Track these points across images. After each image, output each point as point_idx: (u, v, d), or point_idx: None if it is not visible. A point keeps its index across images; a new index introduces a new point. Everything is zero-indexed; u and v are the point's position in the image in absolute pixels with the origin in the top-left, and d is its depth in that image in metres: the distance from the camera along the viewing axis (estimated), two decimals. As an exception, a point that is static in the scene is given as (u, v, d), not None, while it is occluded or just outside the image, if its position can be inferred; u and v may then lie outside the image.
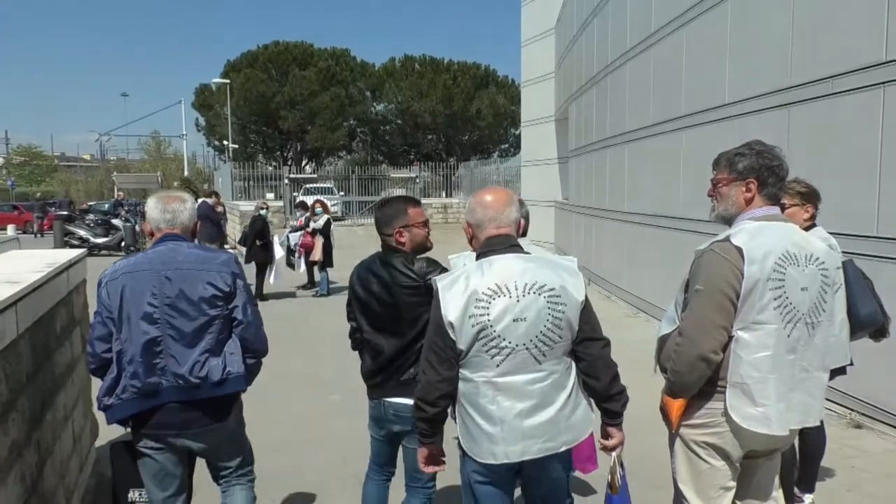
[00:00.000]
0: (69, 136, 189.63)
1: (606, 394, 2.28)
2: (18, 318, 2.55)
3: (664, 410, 2.39)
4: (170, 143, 56.15)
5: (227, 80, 38.91)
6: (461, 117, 43.78)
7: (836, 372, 3.21)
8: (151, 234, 2.71)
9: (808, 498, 3.54)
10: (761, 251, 2.18)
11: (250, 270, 10.27)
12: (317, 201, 11.86)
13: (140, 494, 2.81)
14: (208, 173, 47.83)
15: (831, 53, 5.44)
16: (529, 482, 2.40)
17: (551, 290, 2.19)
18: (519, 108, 23.67)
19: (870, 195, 5.01)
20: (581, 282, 2.27)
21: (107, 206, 28.24)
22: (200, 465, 2.96)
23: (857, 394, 5.08)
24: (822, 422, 3.05)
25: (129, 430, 2.72)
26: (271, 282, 10.99)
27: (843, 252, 3.32)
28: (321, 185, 28.99)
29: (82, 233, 18.89)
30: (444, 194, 32.88)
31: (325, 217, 11.35)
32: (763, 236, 2.21)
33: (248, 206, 19.97)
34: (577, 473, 3.28)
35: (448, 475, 2.82)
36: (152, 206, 2.71)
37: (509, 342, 2.16)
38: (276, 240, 11.21)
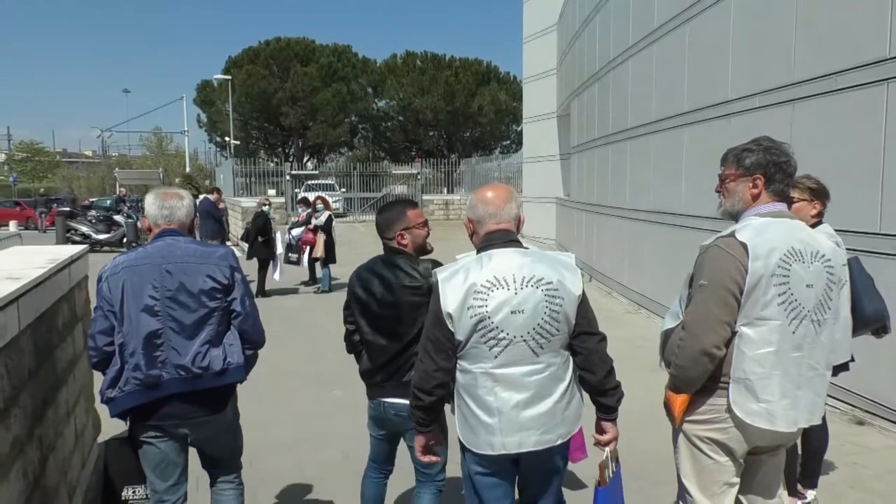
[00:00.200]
0: (71, 133, 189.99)
1: (602, 388, 2.32)
2: (20, 314, 2.55)
3: (668, 406, 2.39)
4: (171, 140, 56.38)
5: (229, 77, 38.92)
6: (463, 114, 43.71)
7: (839, 368, 3.21)
8: (150, 230, 2.79)
9: (810, 494, 3.54)
10: (766, 247, 2.18)
11: (252, 267, 10.30)
12: (318, 198, 11.86)
13: (134, 492, 2.83)
14: (210, 170, 47.90)
15: (835, 49, 5.42)
16: (527, 475, 2.43)
17: (549, 283, 2.23)
18: (521, 104, 23.66)
19: (873, 192, 4.99)
20: (578, 277, 2.31)
21: (109, 202, 28.28)
22: (194, 465, 2.97)
23: (859, 390, 5.08)
24: (824, 418, 3.05)
25: (128, 425, 2.74)
26: (277, 278, 11.02)
27: (846, 249, 3.31)
28: (323, 182, 28.94)
29: (84, 229, 18.95)
30: (445, 191, 32.86)
31: (327, 213, 11.35)
32: (768, 232, 2.21)
33: (249, 203, 19.95)
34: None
35: (456, 462, 2.82)
36: (150, 203, 2.78)
37: (507, 333, 2.20)
38: (278, 237, 11.23)
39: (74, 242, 16.40)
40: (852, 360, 3.35)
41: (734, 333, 2.21)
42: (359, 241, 16.71)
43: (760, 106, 6.44)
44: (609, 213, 11.27)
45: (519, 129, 36.72)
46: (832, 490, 3.85)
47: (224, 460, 2.94)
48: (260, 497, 3.84)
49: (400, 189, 29.32)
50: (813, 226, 3.07)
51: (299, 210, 12.66)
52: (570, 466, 3.38)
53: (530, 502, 2.48)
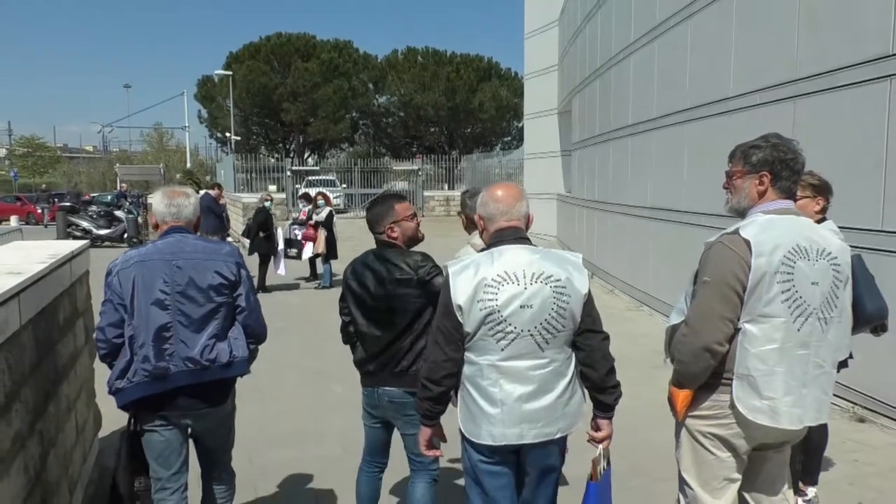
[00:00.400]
0: (72, 128, 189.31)
1: (602, 385, 2.36)
2: (21, 309, 2.56)
3: (671, 400, 2.41)
4: (172, 135, 56.24)
5: (230, 72, 38.86)
6: (464, 110, 43.63)
7: (839, 365, 3.20)
8: (156, 226, 2.89)
9: (811, 491, 3.54)
10: (770, 244, 2.17)
11: (253, 262, 10.29)
12: (319, 193, 11.86)
13: (141, 482, 2.89)
14: (211, 165, 47.81)
15: (837, 46, 5.40)
16: (526, 468, 2.45)
17: (557, 280, 2.28)
18: (522, 100, 23.63)
19: (875, 189, 4.98)
20: (585, 276, 2.36)
21: (109, 197, 28.31)
22: (194, 462, 3.00)
23: (860, 387, 5.07)
24: (824, 415, 3.04)
25: (131, 419, 2.79)
26: (282, 273, 11.04)
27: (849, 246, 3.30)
28: (324, 178, 28.93)
29: (85, 224, 18.90)
30: (446, 187, 32.84)
31: (328, 209, 11.36)
32: (773, 229, 2.21)
33: (250, 199, 19.92)
34: None
35: (451, 454, 2.82)
36: (158, 201, 2.89)
37: (515, 327, 2.25)
38: (280, 232, 11.22)
39: (75, 237, 16.39)
40: (851, 356, 3.35)
41: (737, 330, 2.21)
42: (359, 237, 16.69)
43: (762, 102, 6.42)
44: (610, 209, 11.26)
45: (520, 125, 36.66)
46: (832, 487, 3.85)
47: (218, 451, 3.03)
48: (260, 490, 3.84)
49: (401, 185, 29.31)
50: (817, 222, 3.05)
51: (300, 206, 12.65)
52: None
53: (527, 494, 2.51)
